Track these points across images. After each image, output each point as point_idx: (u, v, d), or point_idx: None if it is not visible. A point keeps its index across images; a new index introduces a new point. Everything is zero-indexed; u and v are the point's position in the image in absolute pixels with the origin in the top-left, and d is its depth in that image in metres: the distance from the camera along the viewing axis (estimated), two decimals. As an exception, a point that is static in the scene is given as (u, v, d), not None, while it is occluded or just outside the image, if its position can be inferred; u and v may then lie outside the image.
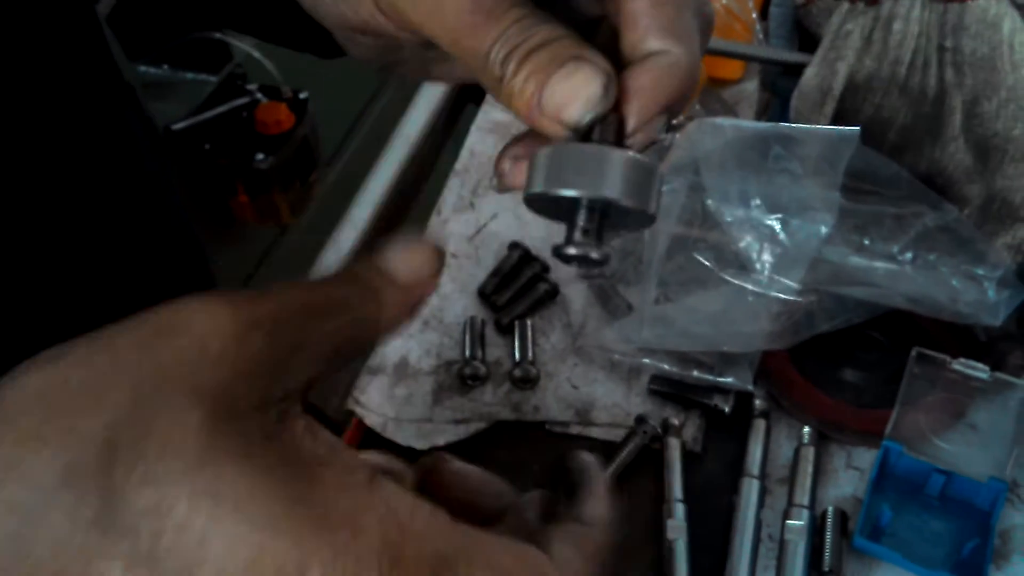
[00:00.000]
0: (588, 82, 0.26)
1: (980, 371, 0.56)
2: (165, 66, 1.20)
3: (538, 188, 0.27)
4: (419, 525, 0.23)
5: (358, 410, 0.61)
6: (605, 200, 0.26)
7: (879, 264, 0.55)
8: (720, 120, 0.57)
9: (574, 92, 0.26)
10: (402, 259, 0.27)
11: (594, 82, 0.26)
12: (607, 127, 0.27)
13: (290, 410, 0.24)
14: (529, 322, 0.65)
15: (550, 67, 0.26)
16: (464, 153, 0.77)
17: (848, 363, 0.60)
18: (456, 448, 0.59)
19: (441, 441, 0.59)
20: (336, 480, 0.22)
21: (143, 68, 1.16)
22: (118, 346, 0.22)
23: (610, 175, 0.26)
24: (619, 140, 0.27)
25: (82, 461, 0.20)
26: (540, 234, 0.69)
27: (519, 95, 0.27)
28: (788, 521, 0.53)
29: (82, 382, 0.21)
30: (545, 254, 0.68)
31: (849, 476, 0.56)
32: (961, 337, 0.59)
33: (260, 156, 1.13)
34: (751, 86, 0.78)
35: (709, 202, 0.60)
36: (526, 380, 0.62)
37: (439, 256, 0.28)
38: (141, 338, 0.22)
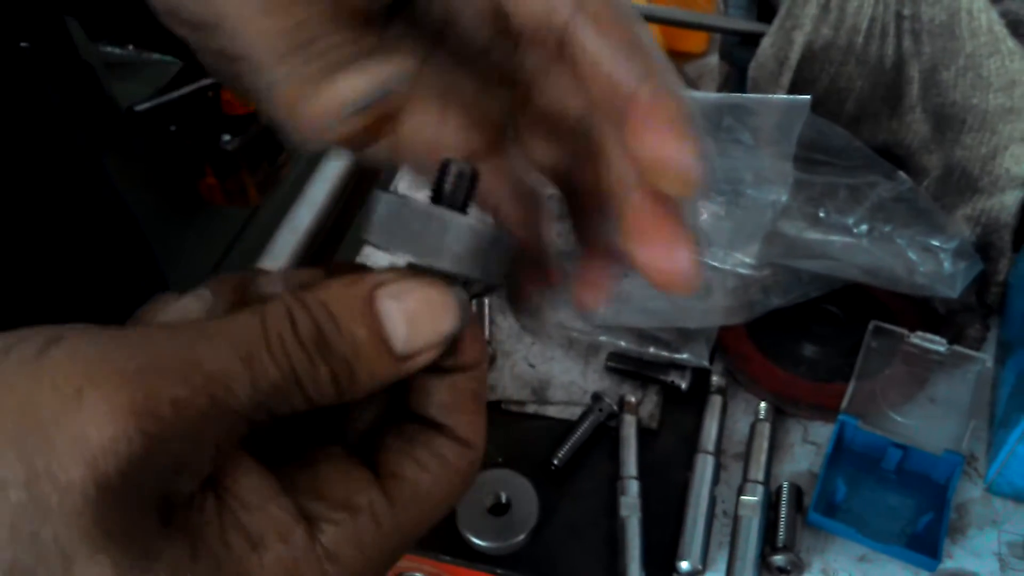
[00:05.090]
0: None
1: (938, 344, 0.56)
2: (130, 46, 1.18)
3: (372, 240, 0.25)
4: None
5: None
6: (437, 270, 0.25)
7: (835, 237, 0.55)
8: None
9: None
10: (407, 318, 0.23)
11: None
12: (461, 180, 0.25)
13: (195, 494, 0.22)
14: (486, 300, 0.64)
15: None
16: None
17: (805, 338, 0.59)
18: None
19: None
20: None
21: (107, 48, 1.14)
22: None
23: (446, 244, 0.24)
24: (467, 198, 0.25)
25: None
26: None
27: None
28: (742, 496, 0.52)
29: None
30: (504, 231, 0.67)
31: (805, 451, 0.56)
32: (919, 311, 0.59)
33: (227, 137, 1.11)
34: (715, 60, 0.77)
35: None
36: (482, 359, 0.61)
37: (474, 335, 0.25)
38: (23, 423, 0.19)
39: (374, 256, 0.68)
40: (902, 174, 0.54)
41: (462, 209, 0.25)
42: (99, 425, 0.19)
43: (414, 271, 0.25)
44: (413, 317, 0.23)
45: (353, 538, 0.23)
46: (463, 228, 0.24)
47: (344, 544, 0.23)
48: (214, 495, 0.22)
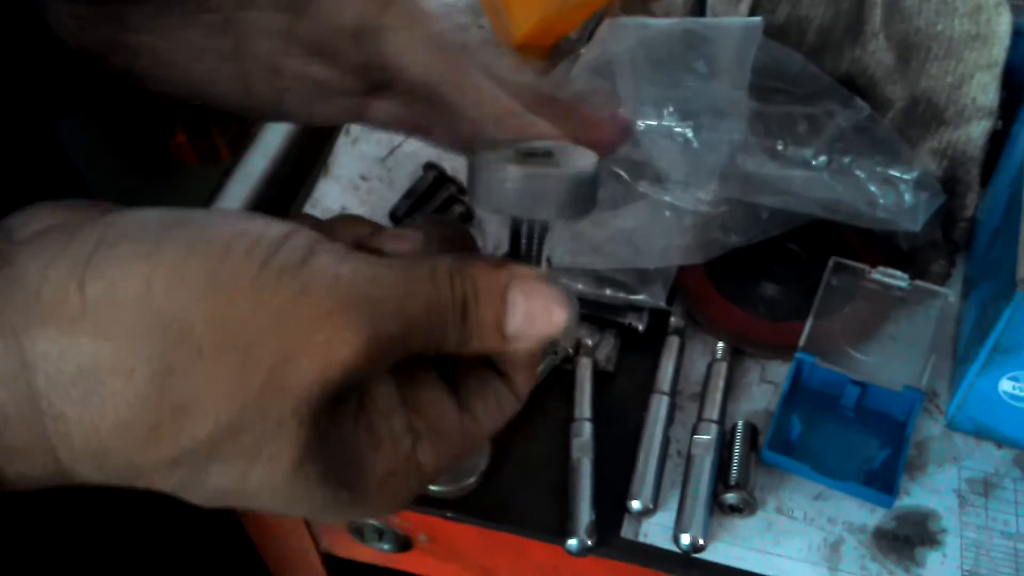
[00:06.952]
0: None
1: (900, 280, 0.54)
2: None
3: (479, 206, 0.28)
4: None
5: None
6: (544, 222, 0.28)
7: (794, 171, 0.53)
8: (629, 20, 0.54)
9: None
10: (526, 314, 0.27)
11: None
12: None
13: (346, 403, 0.26)
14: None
15: None
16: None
17: (766, 277, 0.58)
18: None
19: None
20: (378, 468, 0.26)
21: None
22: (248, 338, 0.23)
23: (545, 201, 0.27)
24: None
25: None
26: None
27: None
28: (695, 436, 0.51)
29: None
30: (461, 175, 0.66)
31: (762, 390, 0.55)
32: (882, 248, 0.57)
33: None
34: (682, -3, 0.74)
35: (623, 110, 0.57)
36: (436, 303, 0.59)
37: (570, 314, 0.27)
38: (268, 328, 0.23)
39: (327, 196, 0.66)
40: (859, 100, 0.52)
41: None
42: (341, 343, 0.24)
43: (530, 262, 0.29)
44: (532, 315, 0.27)
45: (436, 456, 0.27)
46: (560, 181, 0.27)
47: (430, 459, 0.27)
48: (357, 396, 0.26)
